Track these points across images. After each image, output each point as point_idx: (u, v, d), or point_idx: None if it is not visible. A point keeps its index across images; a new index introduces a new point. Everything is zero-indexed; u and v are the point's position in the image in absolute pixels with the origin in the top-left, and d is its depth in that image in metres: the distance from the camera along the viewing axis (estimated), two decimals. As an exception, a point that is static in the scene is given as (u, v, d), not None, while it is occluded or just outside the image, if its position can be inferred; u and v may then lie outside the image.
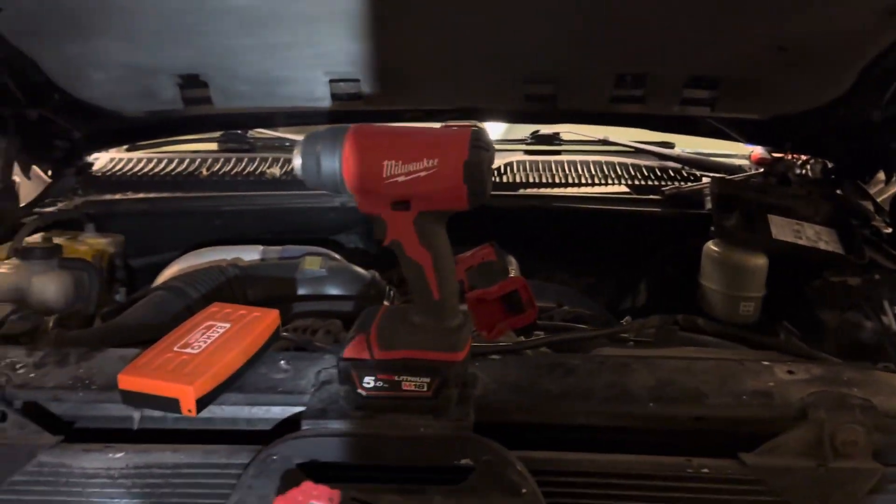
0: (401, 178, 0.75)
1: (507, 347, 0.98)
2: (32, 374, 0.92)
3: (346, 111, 1.77)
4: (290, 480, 0.77)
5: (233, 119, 1.89)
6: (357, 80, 1.68)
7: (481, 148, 0.74)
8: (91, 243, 1.66)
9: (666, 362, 0.95)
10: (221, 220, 1.81)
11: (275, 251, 1.61)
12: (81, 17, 1.45)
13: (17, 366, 0.94)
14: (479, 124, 0.76)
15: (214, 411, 0.89)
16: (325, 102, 1.72)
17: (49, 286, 1.37)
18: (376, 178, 0.76)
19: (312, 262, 1.47)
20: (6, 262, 1.42)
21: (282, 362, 0.95)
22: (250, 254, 1.58)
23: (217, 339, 0.92)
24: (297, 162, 0.80)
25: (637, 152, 1.93)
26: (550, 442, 0.86)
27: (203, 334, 0.93)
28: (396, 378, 0.82)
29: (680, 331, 1.23)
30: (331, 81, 1.67)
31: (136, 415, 0.92)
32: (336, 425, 0.82)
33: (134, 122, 1.82)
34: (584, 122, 1.81)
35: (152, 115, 1.79)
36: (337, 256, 1.58)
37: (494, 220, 1.52)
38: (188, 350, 0.89)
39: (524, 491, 0.78)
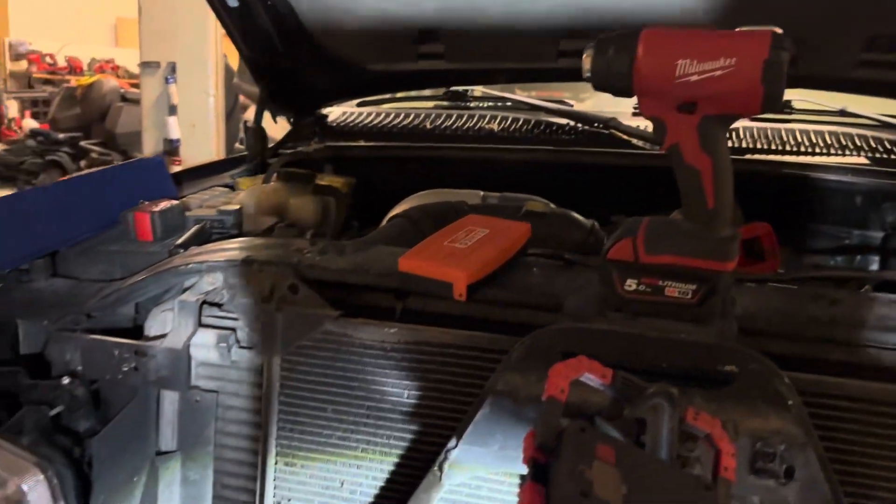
0: (693, 78, 0.77)
1: (765, 277, 0.97)
2: (318, 258, 1.04)
3: (571, 69, 1.81)
4: (552, 362, 0.82)
5: (458, 75, 1.98)
6: (587, 37, 1.71)
7: (782, 48, 0.74)
8: (330, 181, 1.82)
9: (943, 305, 0.90)
10: (442, 168, 1.91)
11: (494, 197, 1.68)
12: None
13: (305, 251, 1.07)
14: (777, 29, 0.75)
15: (472, 305, 0.96)
16: (552, 61, 1.77)
17: (305, 207, 1.53)
18: (667, 78, 0.78)
19: (535, 205, 1.52)
20: (269, 184, 1.61)
21: (535, 269, 1.01)
22: (472, 199, 1.67)
23: (480, 239, 0.99)
24: (586, 65, 0.84)
25: (882, 126, 1.80)
26: (810, 369, 0.84)
27: (467, 235, 1.00)
28: (660, 283, 0.84)
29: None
30: (560, 39, 1.72)
31: (399, 305, 1.02)
32: (596, 322, 0.86)
33: (370, 76, 1.98)
34: (820, 89, 1.71)
35: (388, 69, 1.94)
36: (552, 206, 1.62)
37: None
38: (457, 245, 0.97)
39: (790, 403, 0.77)
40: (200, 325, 1.03)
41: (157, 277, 1.07)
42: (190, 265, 1.06)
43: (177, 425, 1.04)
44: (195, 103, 3.85)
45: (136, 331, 1.09)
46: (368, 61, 1.91)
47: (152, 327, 1.06)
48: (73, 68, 8.33)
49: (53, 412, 0.99)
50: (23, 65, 8.25)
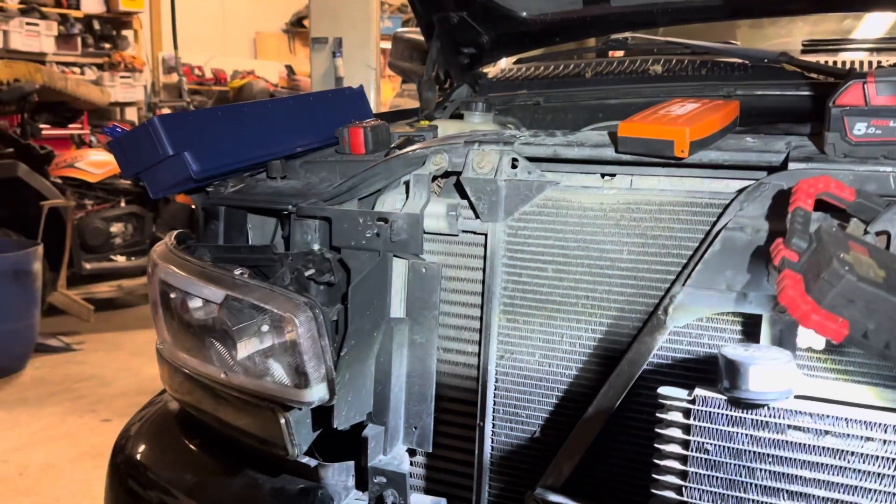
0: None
1: None
2: (531, 139, 1.13)
3: (739, 5, 1.83)
4: (782, 201, 0.86)
5: (621, 18, 2.03)
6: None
7: None
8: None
9: None
10: (606, 113, 1.96)
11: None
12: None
13: (518, 135, 1.16)
14: None
15: (692, 167, 1.01)
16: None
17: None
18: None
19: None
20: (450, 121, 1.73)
21: (748, 138, 1.05)
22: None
23: (694, 109, 1.05)
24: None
25: None
26: None
27: (679, 107, 1.06)
28: (892, 123, 0.87)
29: None
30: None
31: (608, 183, 1.09)
32: (825, 165, 0.90)
33: (534, 27, 2.07)
34: None
35: (552, 17, 2.02)
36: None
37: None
38: (673, 112, 1.03)
39: None
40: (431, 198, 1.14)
41: (387, 164, 1.19)
42: (417, 151, 1.17)
43: (406, 293, 1.15)
44: (358, 75, 4.19)
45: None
46: (534, 10, 2.00)
47: (384, 206, 1.18)
48: (219, 79, 9.03)
49: (307, 273, 1.13)
50: (174, 77, 9.00)
